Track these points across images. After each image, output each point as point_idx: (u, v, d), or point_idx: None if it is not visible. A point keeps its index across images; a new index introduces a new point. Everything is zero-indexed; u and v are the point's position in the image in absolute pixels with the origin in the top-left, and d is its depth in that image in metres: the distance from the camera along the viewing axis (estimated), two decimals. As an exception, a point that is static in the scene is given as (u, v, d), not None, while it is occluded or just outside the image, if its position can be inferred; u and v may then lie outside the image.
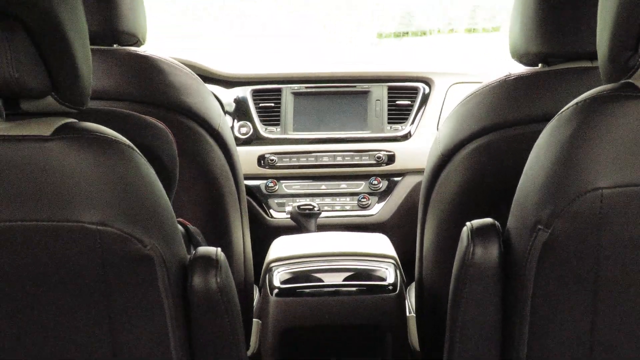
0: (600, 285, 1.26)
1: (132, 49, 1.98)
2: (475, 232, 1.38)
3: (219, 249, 1.39)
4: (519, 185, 1.35)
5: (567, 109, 1.26)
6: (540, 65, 1.71)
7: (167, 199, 1.33)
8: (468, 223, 1.41)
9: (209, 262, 1.34)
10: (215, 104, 2.08)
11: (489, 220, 1.39)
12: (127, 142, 1.25)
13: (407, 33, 4.14)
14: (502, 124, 1.67)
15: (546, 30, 1.63)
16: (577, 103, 1.25)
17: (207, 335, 1.38)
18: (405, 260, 2.09)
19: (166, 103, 1.92)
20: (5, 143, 1.20)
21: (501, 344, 1.40)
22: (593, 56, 1.58)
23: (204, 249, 1.37)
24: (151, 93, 1.93)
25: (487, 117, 1.71)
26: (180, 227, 1.45)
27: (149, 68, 1.97)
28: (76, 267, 1.24)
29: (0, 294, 1.28)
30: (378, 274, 1.97)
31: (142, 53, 1.99)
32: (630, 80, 1.22)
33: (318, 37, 4.21)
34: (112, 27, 1.92)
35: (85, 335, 1.29)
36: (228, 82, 2.64)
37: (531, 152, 1.33)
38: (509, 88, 1.71)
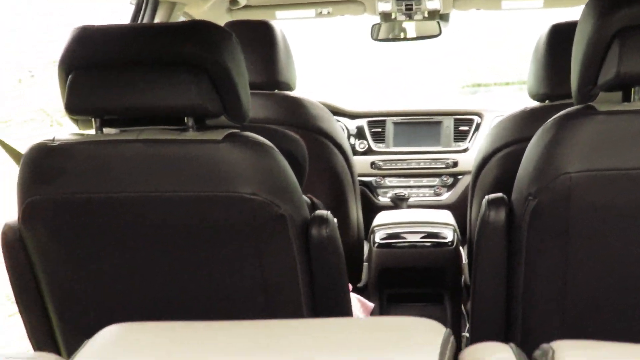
0: (570, 237, 1.46)
1: (287, 93, 2.44)
2: (490, 202, 1.62)
3: (329, 212, 1.62)
4: (518, 172, 1.58)
5: (549, 122, 1.50)
6: (546, 101, 2.01)
7: (296, 181, 1.56)
8: (486, 196, 1.65)
9: (322, 220, 1.57)
10: (338, 127, 2.56)
11: (499, 194, 1.64)
12: (270, 144, 1.52)
13: (479, 84, 4.99)
14: (520, 139, 1.85)
15: (550, 80, 1.93)
16: (554, 118, 1.49)
17: (321, 268, 1.59)
18: (463, 227, 2.40)
19: (308, 126, 2.35)
20: (194, 144, 1.47)
21: (506, 277, 1.61)
22: None
23: (319, 212, 1.61)
24: (298, 120, 2.35)
25: (510, 134, 1.99)
26: (307, 199, 1.68)
27: (297, 105, 2.41)
28: (236, 223, 1.47)
29: (181, 243, 1.49)
30: (442, 234, 2.44)
31: (293, 95, 2.46)
32: (591, 104, 1.45)
33: (412, 84, 5.08)
34: (273, 79, 2.36)
35: (241, 271, 1.52)
36: (352, 116, 3.33)
37: (525, 151, 1.56)
38: (524, 116, 2.00)
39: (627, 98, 1.46)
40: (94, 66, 1.48)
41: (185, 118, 1.51)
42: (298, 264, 1.53)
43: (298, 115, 2.38)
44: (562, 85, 1.81)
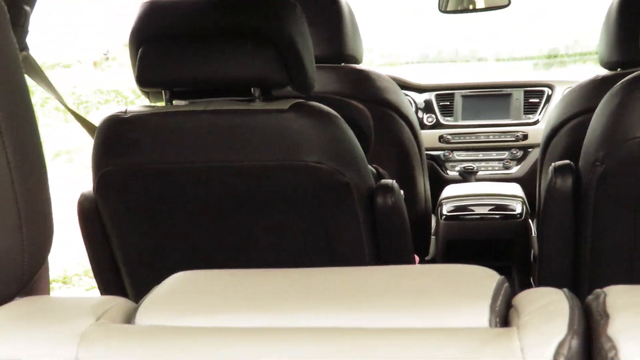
0: (638, 202, 1.46)
1: (353, 65, 2.45)
2: (557, 169, 1.63)
3: (394, 181, 1.63)
4: (585, 138, 1.58)
5: (616, 86, 1.51)
6: (618, 69, 2.00)
7: (361, 150, 1.58)
8: (553, 163, 1.66)
9: (387, 188, 1.60)
10: (406, 100, 2.55)
11: (566, 161, 1.65)
12: (335, 113, 1.54)
13: (556, 56, 4.90)
14: (590, 109, 1.80)
15: (622, 45, 1.91)
16: (622, 82, 1.50)
17: (386, 237, 1.62)
18: (533, 200, 2.41)
19: (375, 99, 2.35)
20: (260, 114, 1.51)
21: (573, 243, 1.61)
22: None
23: (385, 181, 1.63)
24: (365, 93, 2.34)
25: (581, 104, 1.98)
26: (372, 169, 1.70)
27: (364, 78, 2.42)
28: (302, 191, 1.51)
29: (249, 211, 1.54)
30: (511, 207, 2.44)
31: (360, 68, 2.46)
32: None
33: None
34: (340, 52, 2.37)
35: (307, 239, 1.56)
36: (420, 89, 3.29)
37: (593, 116, 1.56)
38: (596, 84, 1.99)
39: None
40: (163, 39, 1.53)
41: (252, 89, 1.54)
42: (363, 232, 1.55)
43: (365, 88, 2.38)
44: (634, 52, 1.75)
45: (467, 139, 3.26)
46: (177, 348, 0.52)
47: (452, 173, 3.25)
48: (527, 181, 3.03)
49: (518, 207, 2.43)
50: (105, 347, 0.53)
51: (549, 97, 3.22)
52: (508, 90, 3.25)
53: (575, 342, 0.49)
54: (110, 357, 0.52)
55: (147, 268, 1.66)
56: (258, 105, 1.53)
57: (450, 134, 3.26)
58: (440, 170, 3.28)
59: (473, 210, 2.44)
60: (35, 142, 0.64)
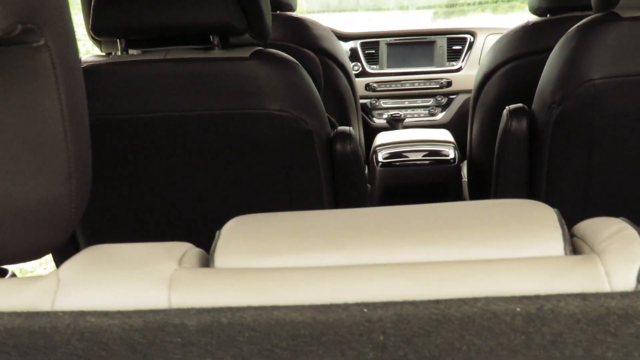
0: (594, 144, 1.48)
1: (288, 13, 2.44)
2: (511, 112, 1.66)
3: (351, 128, 1.66)
4: (539, 81, 1.58)
5: (572, 30, 1.50)
6: (548, 15, 2.02)
7: (319, 97, 1.59)
8: (507, 107, 1.67)
9: (345, 135, 1.63)
10: (341, 48, 2.58)
11: (520, 104, 1.67)
12: (295, 61, 1.56)
13: (454, 5, 4.98)
14: (523, 54, 1.92)
15: None
16: (578, 26, 1.49)
17: (344, 183, 1.63)
18: (460, 145, 2.49)
19: (312, 47, 2.31)
20: (221, 62, 1.49)
21: (528, 185, 1.65)
22: (584, 8, 1.88)
23: (342, 128, 1.66)
24: (302, 41, 2.31)
25: (513, 49, 1.98)
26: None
27: (301, 26, 2.42)
28: (264, 139, 1.49)
29: (210, 160, 1.51)
30: (444, 152, 2.44)
31: (295, 16, 2.45)
32: (614, 10, 1.46)
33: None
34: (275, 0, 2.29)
35: (269, 186, 1.55)
36: (346, 37, 3.28)
37: (548, 60, 1.56)
38: (528, 30, 1.99)
39: None
40: None
41: (211, 37, 1.51)
42: (323, 179, 1.55)
43: (302, 36, 2.38)
44: None
45: (393, 86, 3.29)
46: (267, 288, 0.52)
47: (379, 121, 3.29)
48: (452, 127, 3.08)
49: (451, 153, 2.47)
50: (196, 291, 0.53)
51: (471, 44, 3.27)
52: (432, 38, 3.29)
53: None
54: (203, 300, 0.52)
55: (109, 222, 1.64)
56: (218, 53, 1.50)
57: (377, 82, 3.29)
58: (367, 118, 3.31)
59: (408, 157, 2.47)
60: (81, 89, 0.62)
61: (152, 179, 1.57)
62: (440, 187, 2.49)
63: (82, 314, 0.50)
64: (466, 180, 2.43)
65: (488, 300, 0.49)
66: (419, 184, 2.48)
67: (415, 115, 3.30)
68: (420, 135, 2.58)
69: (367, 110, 3.32)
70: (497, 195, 1.69)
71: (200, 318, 0.50)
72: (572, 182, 1.52)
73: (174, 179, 1.56)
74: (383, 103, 3.32)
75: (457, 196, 2.51)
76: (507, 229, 0.57)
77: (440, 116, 3.29)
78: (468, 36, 3.29)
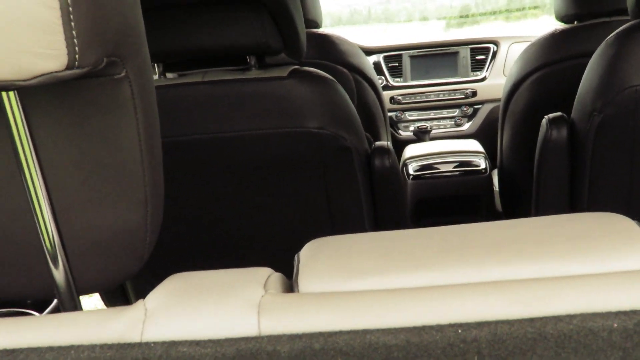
0: (636, 149, 1.45)
1: (314, 30, 2.39)
2: (551, 121, 1.63)
3: (389, 142, 1.65)
4: (579, 89, 1.56)
5: (611, 37, 1.48)
6: (575, 22, 1.98)
7: (356, 113, 1.57)
8: (545, 116, 1.64)
9: (384, 150, 1.59)
10: (368, 62, 2.52)
11: (559, 113, 1.64)
12: (332, 78, 1.55)
13: (467, 15, 4.98)
14: (552, 61, 1.89)
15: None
16: (617, 32, 1.47)
17: (383, 199, 1.61)
18: (489, 155, 2.50)
19: (340, 62, 2.31)
20: (260, 82, 1.47)
21: (570, 193, 1.62)
22: (610, 14, 1.86)
23: (380, 143, 1.62)
24: (329, 57, 2.30)
25: (542, 57, 1.96)
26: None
27: (327, 42, 2.37)
28: (304, 158, 1.48)
29: (250, 181, 1.51)
30: (475, 163, 2.44)
31: (320, 32, 2.41)
32: None
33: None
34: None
35: (310, 204, 1.54)
36: (369, 51, 3.28)
37: (587, 67, 1.54)
38: (556, 37, 1.96)
39: None
40: (152, 9, 1.47)
41: (248, 57, 1.51)
42: (362, 195, 1.55)
43: (329, 52, 2.36)
44: (591, 5, 1.81)
45: (418, 98, 3.29)
46: (357, 312, 0.52)
47: (406, 133, 3.29)
48: (479, 137, 3.10)
49: (482, 163, 2.45)
50: (285, 316, 0.52)
51: (494, 53, 3.27)
52: (455, 49, 3.29)
53: None
54: (293, 326, 0.51)
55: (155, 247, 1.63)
56: (255, 73, 1.50)
57: (401, 95, 3.29)
58: (393, 131, 3.31)
59: (439, 169, 2.45)
60: (156, 116, 0.62)
61: (192, 201, 1.56)
62: (473, 198, 2.47)
63: (174, 344, 0.50)
64: (497, 190, 2.39)
65: (584, 316, 0.48)
66: (451, 195, 2.46)
67: (442, 127, 3.30)
68: (449, 147, 2.56)
69: (393, 123, 3.32)
70: (538, 204, 1.66)
71: (292, 344, 0.49)
72: (614, 189, 1.51)
73: (215, 201, 1.55)
74: (408, 115, 3.32)
75: (490, 206, 2.48)
76: (594, 243, 0.56)
77: (466, 126, 3.29)
78: (491, 45, 3.29)
